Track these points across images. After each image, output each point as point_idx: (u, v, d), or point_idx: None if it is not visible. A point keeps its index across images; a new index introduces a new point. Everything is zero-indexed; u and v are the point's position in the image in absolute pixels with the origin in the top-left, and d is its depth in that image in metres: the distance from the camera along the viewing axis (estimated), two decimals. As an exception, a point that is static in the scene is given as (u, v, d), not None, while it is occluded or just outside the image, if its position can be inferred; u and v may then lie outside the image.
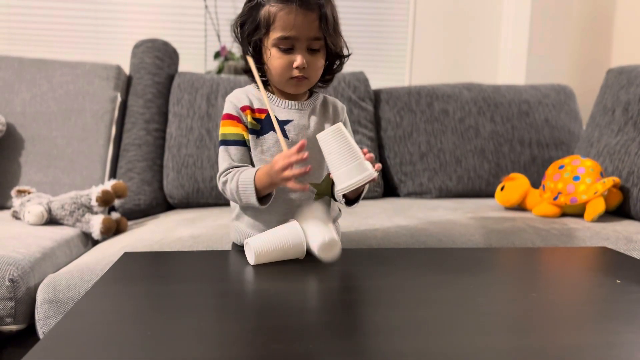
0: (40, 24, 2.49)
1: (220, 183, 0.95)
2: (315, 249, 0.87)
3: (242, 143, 0.96)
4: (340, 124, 0.87)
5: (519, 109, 2.06)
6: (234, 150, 0.96)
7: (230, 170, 0.95)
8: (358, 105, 1.97)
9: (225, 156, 0.96)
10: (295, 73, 0.93)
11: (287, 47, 0.92)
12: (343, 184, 0.85)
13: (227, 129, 0.96)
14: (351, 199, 0.99)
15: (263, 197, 0.92)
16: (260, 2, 0.92)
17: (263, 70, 0.98)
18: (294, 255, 0.91)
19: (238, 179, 0.92)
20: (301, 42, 0.92)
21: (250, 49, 0.96)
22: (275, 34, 0.91)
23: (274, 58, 0.93)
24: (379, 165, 0.88)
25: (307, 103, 1.00)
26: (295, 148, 0.85)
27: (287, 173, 0.85)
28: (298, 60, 0.92)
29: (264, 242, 0.89)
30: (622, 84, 1.74)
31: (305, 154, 0.85)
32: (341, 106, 1.05)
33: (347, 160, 0.84)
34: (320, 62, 0.96)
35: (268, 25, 0.92)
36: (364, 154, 0.87)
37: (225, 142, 0.96)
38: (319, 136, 0.86)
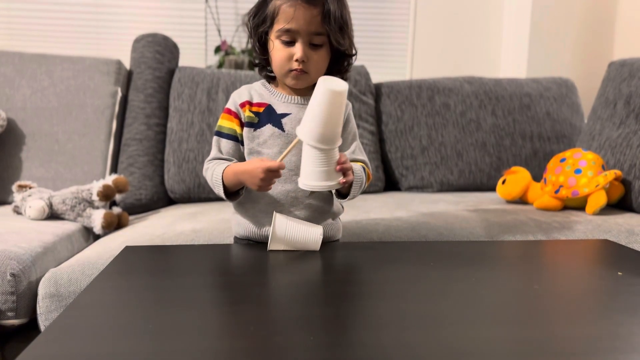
0: (41, 19, 2.48)
1: (203, 170, 1.01)
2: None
3: (234, 138, 1.00)
4: (342, 88, 0.86)
5: (520, 102, 2.06)
6: (224, 142, 1.00)
7: (212, 160, 1.00)
8: (359, 99, 1.97)
9: (216, 147, 1.01)
10: (295, 65, 0.94)
11: (289, 39, 0.93)
12: (304, 181, 0.88)
13: (224, 122, 1.01)
14: (342, 193, 1.00)
15: (233, 193, 0.97)
16: None
17: (269, 64, 1.00)
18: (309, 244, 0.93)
19: (212, 172, 0.97)
20: (302, 36, 0.93)
21: (257, 40, 0.98)
22: (278, 26, 0.93)
23: (276, 50, 0.95)
24: (346, 180, 0.90)
25: (309, 98, 1.00)
26: (276, 165, 0.88)
27: (264, 185, 0.90)
28: (298, 53, 0.93)
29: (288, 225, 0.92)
30: (624, 77, 1.74)
31: (280, 172, 0.90)
32: (346, 103, 1.05)
33: (318, 163, 0.86)
34: (321, 58, 0.96)
35: (273, 18, 0.94)
36: (341, 163, 0.88)
37: (219, 134, 1.01)
38: (320, 80, 0.85)
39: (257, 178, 0.89)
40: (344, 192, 0.99)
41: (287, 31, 0.92)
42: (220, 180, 0.95)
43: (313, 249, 0.93)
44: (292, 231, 0.92)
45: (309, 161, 0.87)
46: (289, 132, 0.97)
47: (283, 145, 0.97)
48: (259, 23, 0.96)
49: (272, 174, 0.89)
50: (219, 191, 0.96)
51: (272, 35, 0.95)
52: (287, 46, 0.94)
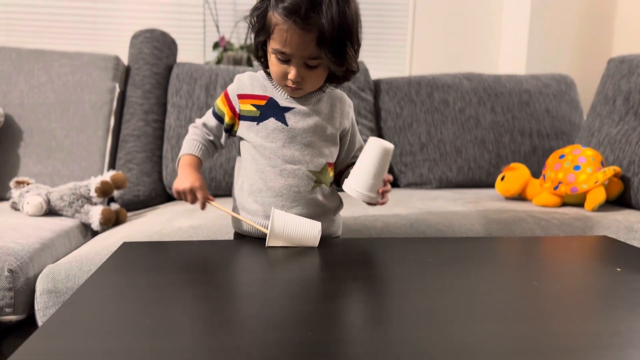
0: (39, 15, 2.47)
1: (190, 127, 1.06)
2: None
3: (221, 120, 1.03)
4: (392, 146, 0.93)
5: (519, 99, 2.06)
6: (212, 120, 1.04)
7: (197, 127, 1.05)
8: (358, 95, 1.96)
9: (205, 118, 1.05)
10: (289, 84, 0.93)
11: (284, 59, 0.91)
12: (356, 187, 0.94)
13: (220, 103, 1.03)
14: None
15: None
16: (269, 5, 0.90)
17: (264, 66, 0.99)
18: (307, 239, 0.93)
19: (186, 141, 1.04)
20: (296, 58, 0.90)
21: (257, 46, 0.97)
22: (273, 44, 0.91)
23: (272, 64, 0.94)
24: (384, 200, 0.97)
25: (313, 93, 1.00)
26: (200, 198, 0.97)
27: (177, 193, 0.98)
28: (291, 73, 0.91)
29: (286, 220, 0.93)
30: (623, 73, 1.73)
31: (195, 203, 0.98)
32: (349, 103, 1.05)
33: (374, 175, 0.93)
34: (317, 76, 0.94)
35: (269, 33, 0.91)
36: (387, 182, 0.96)
37: (214, 113, 1.04)
38: (374, 140, 0.93)
39: (181, 185, 0.97)
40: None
41: (282, 53, 0.90)
42: (178, 157, 1.04)
43: (311, 245, 0.93)
44: (291, 227, 0.91)
45: (365, 171, 0.93)
46: (292, 127, 0.96)
47: (286, 139, 0.96)
48: (258, 30, 0.93)
49: (189, 195, 0.97)
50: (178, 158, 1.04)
51: (269, 48, 0.93)
52: (282, 63, 0.92)
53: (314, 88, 0.97)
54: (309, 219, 0.94)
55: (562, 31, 2.56)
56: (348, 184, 0.95)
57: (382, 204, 0.97)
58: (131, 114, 1.84)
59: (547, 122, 2.04)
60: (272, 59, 0.93)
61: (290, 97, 0.98)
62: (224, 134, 1.04)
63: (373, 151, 0.92)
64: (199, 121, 1.05)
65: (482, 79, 2.09)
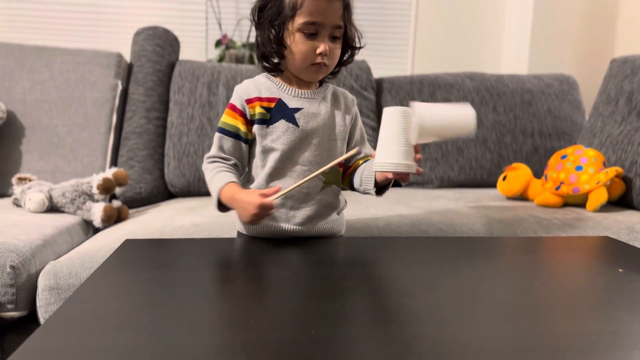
0: (41, 11, 2.47)
1: (203, 166, 1.00)
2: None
3: (237, 136, 0.98)
4: (409, 109, 0.87)
5: (521, 98, 2.05)
6: (226, 141, 0.98)
7: (215, 160, 0.98)
8: (360, 94, 1.96)
9: (217, 144, 0.99)
10: (318, 59, 0.94)
11: (312, 32, 0.92)
12: (390, 160, 0.87)
13: (227, 119, 0.98)
14: (382, 186, 0.98)
15: (223, 205, 0.95)
16: None
17: (280, 56, 0.97)
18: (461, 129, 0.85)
19: (212, 178, 0.96)
20: (325, 29, 0.92)
21: (272, 32, 0.94)
22: (301, 19, 0.91)
23: (298, 43, 0.93)
24: (419, 170, 0.91)
25: (318, 92, 1.00)
26: (270, 202, 0.86)
27: (254, 221, 0.89)
28: (322, 46, 0.92)
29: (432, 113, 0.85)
30: (626, 74, 1.73)
31: (274, 205, 0.88)
32: (352, 98, 1.06)
33: (402, 142, 0.86)
34: (339, 51, 0.97)
35: (294, 10, 0.91)
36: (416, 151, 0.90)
37: (222, 131, 0.98)
38: (389, 109, 0.88)
39: (249, 213, 0.87)
40: (383, 184, 0.98)
41: (312, 24, 0.91)
42: (217, 194, 0.94)
43: (466, 133, 0.84)
44: (440, 116, 0.85)
45: (391, 140, 0.87)
46: (302, 127, 0.96)
47: (297, 140, 0.96)
48: (276, 14, 0.93)
49: (264, 211, 0.87)
50: (214, 199, 0.96)
51: (293, 28, 0.92)
52: (309, 39, 0.92)
53: (333, 66, 0.98)
54: (456, 104, 0.87)
55: (565, 31, 2.56)
56: (384, 161, 0.87)
57: (419, 173, 0.90)
58: (133, 111, 1.84)
59: (549, 122, 2.04)
60: (298, 38, 0.93)
61: (301, 83, 0.99)
62: (243, 148, 0.99)
63: (393, 118, 0.87)
64: (211, 153, 0.99)
65: (484, 78, 2.09)
